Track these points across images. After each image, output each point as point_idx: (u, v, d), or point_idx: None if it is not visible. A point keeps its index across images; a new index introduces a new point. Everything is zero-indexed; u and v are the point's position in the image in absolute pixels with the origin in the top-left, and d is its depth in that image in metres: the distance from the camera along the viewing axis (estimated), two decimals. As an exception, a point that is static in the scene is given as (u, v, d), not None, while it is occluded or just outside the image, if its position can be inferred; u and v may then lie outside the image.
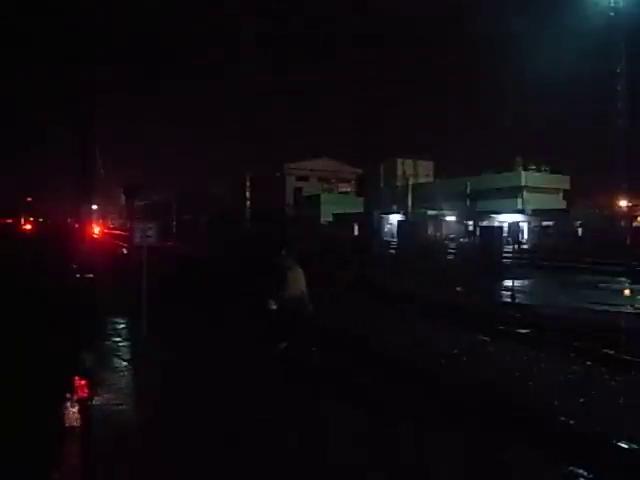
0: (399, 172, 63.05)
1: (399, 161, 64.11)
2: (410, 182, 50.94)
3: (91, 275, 18.86)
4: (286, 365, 7.68)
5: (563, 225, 38.32)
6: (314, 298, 8.41)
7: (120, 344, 9.88)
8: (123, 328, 11.19)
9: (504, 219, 39.19)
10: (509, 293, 16.60)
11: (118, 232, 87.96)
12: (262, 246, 36.68)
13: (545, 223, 40.55)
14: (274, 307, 7.73)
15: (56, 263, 22.80)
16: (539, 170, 51.85)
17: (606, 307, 14.18)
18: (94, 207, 61.30)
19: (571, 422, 6.23)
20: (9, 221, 72.73)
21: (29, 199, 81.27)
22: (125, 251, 35.66)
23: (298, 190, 71.19)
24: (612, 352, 9.34)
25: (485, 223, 38.80)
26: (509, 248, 29.49)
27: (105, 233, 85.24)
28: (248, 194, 55.96)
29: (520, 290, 17.44)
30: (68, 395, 6.69)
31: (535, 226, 40.92)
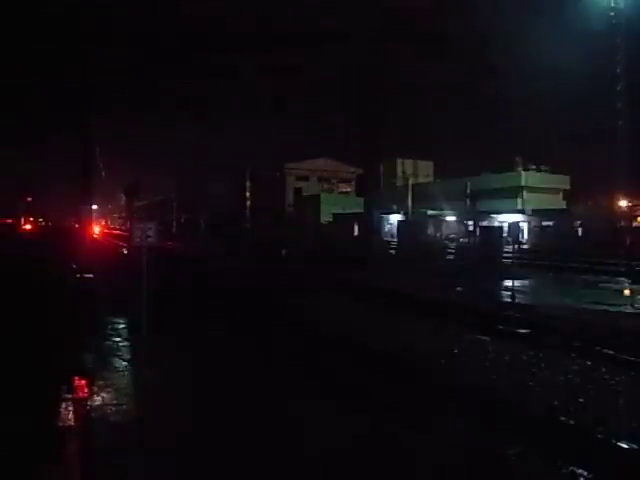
0: (399, 172, 63.00)
1: (399, 161, 64.03)
2: (410, 182, 50.89)
3: (91, 275, 18.83)
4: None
5: (563, 225, 38.29)
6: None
7: (120, 344, 9.88)
8: (123, 328, 11.19)
9: (504, 219, 39.13)
10: (509, 293, 16.59)
11: (118, 232, 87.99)
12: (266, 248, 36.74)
13: (545, 223, 40.52)
14: None
15: (56, 263, 22.78)
16: (539, 170, 51.82)
17: (606, 307, 14.17)
18: (94, 207, 61.21)
19: (571, 422, 6.23)
20: (9, 221, 72.61)
21: (29, 199, 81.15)
22: (125, 251, 35.66)
23: (298, 190, 71.14)
24: (612, 352, 9.33)
25: (485, 223, 38.75)
26: (509, 248, 29.42)
27: (105, 233, 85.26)
28: (248, 194, 55.90)
29: (520, 290, 17.43)
30: (67, 395, 6.69)
31: (535, 226, 40.87)
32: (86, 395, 6.81)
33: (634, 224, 32.60)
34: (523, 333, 11.23)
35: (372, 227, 40.26)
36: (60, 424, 5.78)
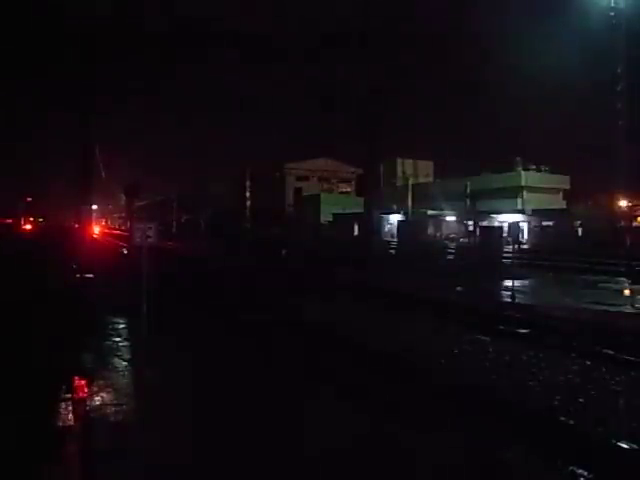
0: (399, 172, 63.01)
1: (399, 161, 64.04)
2: (410, 182, 50.90)
3: (91, 275, 18.85)
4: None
5: (563, 225, 38.28)
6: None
7: (120, 344, 9.89)
8: (123, 328, 11.20)
9: (504, 219, 39.13)
10: (509, 293, 16.60)
11: (118, 232, 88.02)
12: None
13: (545, 223, 40.51)
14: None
15: (56, 263, 22.79)
16: (539, 170, 51.82)
17: (606, 307, 14.17)
18: (94, 207, 61.24)
19: (571, 422, 6.23)
20: (9, 221, 72.58)
21: (29, 199, 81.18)
22: (125, 251, 35.67)
23: (298, 190, 71.16)
24: (612, 352, 9.33)
25: (485, 223, 38.74)
26: (509, 248, 29.43)
27: (105, 233, 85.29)
28: (248, 194, 55.93)
29: (520, 290, 17.43)
30: (67, 395, 6.69)
31: (535, 226, 40.87)
32: (86, 395, 6.82)
33: (634, 224, 32.59)
34: (523, 333, 11.24)
35: (372, 227, 40.24)
36: (60, 424, 5.78)
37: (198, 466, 5.15)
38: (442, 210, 48.13)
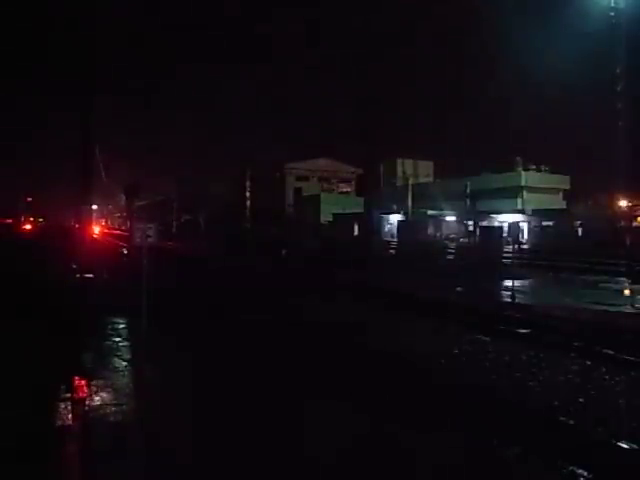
0: (399, 172, 62.99)
1: (399, 161, 64.01)
2: (410, 182, 50.88)
3: (91, 275, 18.84)
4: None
5: (563, 225, 38.27)
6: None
7: (120, 344, 9.89)
8: (123, 328, 11.20)
9: (504, 219, 39.14)
10: (509, 293, 16.60)
11: (118, 232, 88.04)
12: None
13: (545, 223, 40.50)
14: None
15: (56, 263, 22.78)
16: (539, 170, 51.82)
17: (606, 307, 14.17)
18: (94, 207, 61.22)
19: (571, 422, 6.23)
20: (9, 221, 72.50)
21: (29, 199, 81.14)
22: (125, 251, 35.67)
23: (298, 190, 71.16)
24: (612, 352, 9.33)
25: (485, 223, 38.75)
26: (509, 248, 29.44)
27: (105, 233, 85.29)
28: (248, 194, 55.88)
29: (520, 290, 17.43)
30: (67, 395, 6.69)
31: (535, 226, 40.86)
32: (85, 395, 6.82)
33: (634, 224, 32.59)
34: (523, 333, 11.24)
35: (372, 227, 40.26)
36: (60, 424, 5.78)
37: (198, 466, 5.15)
38: (442, 210, 48.11)
